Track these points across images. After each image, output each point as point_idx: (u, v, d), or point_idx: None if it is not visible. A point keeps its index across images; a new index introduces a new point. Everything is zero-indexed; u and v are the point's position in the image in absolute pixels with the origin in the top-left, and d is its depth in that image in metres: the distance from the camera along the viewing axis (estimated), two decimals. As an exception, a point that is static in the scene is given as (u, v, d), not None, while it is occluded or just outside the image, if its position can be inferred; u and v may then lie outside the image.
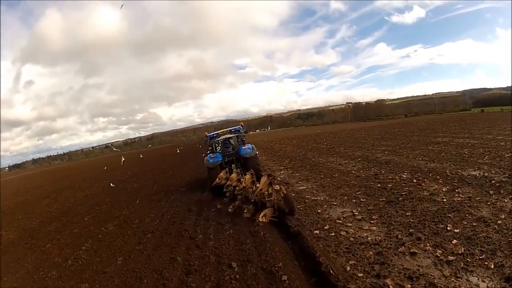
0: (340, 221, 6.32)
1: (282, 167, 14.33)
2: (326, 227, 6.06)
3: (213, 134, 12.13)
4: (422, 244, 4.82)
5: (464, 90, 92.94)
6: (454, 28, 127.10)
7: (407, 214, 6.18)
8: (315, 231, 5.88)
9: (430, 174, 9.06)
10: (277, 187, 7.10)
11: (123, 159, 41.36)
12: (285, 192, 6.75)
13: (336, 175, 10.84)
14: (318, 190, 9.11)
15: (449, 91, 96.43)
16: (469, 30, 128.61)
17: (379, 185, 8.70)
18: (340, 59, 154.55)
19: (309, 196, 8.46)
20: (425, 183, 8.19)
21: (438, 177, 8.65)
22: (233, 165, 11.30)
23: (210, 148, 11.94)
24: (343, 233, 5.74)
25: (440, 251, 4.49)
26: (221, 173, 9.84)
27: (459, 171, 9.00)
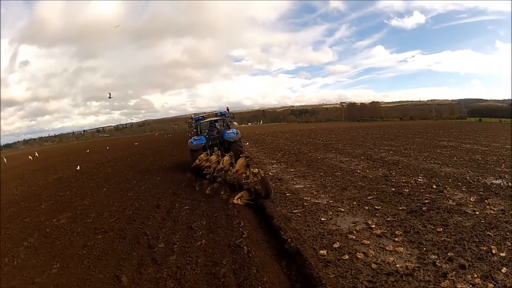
0: (354, 237, 4.71)
1: (275, 161, 12.60)
2: (335, 245, 4.42)
3: (199, 117, 12.01)
4: (469, 276, 3.47)
5: (460, 99, 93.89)
6: (454, 37, 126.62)
7: (438, 229, 4.72)
8: (321, 251, 4.23)
9: (450, 180, 7.65)
10: (255, 170, 7.13)
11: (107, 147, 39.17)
12: (263, 175, 6.72)
13: (339, 173, 9.26)
14: (319, 190, 7.48)
15: (444, 98, 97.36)
16: (470, 40, 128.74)
17: (393, 189, 7.16)
18: (337, 58, 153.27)
19: (308, 198, 6.82)
20: (447, 190, 6.75)
21: (460, 184, 7.28)
22: (215, 148, 11.15)
23: (195, 130, 11.89)
24: (360, 255, 4.13)
25: (491, 285, 3.30)
26: (202, 155, 9.75)
27: (480, 178, 7.70)
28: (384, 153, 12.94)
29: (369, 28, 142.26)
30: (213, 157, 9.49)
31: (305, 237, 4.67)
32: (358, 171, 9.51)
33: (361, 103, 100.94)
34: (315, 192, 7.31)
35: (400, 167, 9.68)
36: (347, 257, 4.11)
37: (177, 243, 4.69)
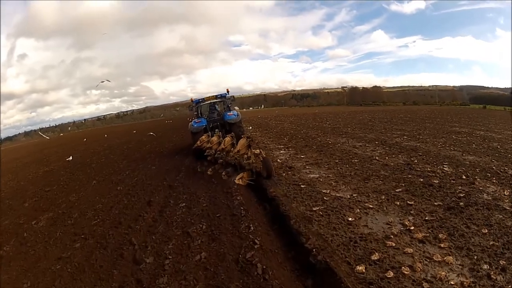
0: (393, 243, 3.70)
1: (282, 146, 11.40)
2: (374, 257, 3.41)
3: (199, 99, 11.90)
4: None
5: (461, 85, 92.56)
6: (455, 24, 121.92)
7: (483, 231, 3.93)
8: (358, 267, 3.22)
9: (477, 170, 6.71)
10: (257, 151, 7.41)
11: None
12: (264, 156, 7.00)
13: (355, 160, 8.21)
14: (338, 181, 6.42)
15: (445, 84, 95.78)
16: (470, 27, 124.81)
17: (421, 179, 6.14)
18: (336, 42, 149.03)
19: (327, 191, 5.77)
20: (478, 182, 5.83)
21: (489, 174, 6.35)
22: (216, 130, 10.94)
23: (195, 113, 11.80)
24: (406, 270, 3.15)
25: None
26: (203, 136, 9.63)
27: (506, 169, 6.77)
28: (398, 138, 11.88)
29: (369, 13, 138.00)
30: (214, 138, 9.37)
31: (334, 246, 3.66)
32: (376, 157, 8.45)
33: (363, 87, 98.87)
34: (333, 183, 6.26)
35: (420, 154, 8.67)
36: (391, 274, 3.13)
37: (170, 257, 3.68)
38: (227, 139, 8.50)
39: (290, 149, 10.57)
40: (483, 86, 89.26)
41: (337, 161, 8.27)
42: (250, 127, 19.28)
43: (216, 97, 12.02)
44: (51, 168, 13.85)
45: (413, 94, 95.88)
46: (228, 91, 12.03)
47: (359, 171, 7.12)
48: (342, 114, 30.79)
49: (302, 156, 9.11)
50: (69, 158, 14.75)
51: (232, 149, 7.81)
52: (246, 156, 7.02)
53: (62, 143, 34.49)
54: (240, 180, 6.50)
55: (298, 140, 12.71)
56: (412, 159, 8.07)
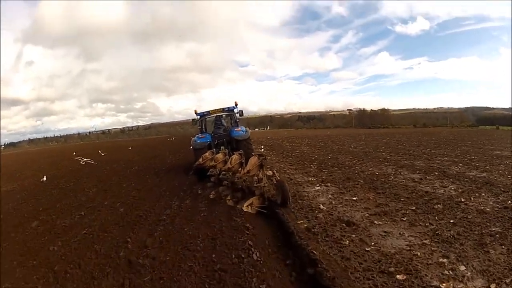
0: None
1: (314, 178, 8.29)
2: None
3: (204, 112, 10.69)
4: None
5: (466, 107, 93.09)
6: (460, 44, 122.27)
7: None
8: None
9: None
10: (269, 172, 6.67)
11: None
12: (278, 178, 6.02)
13: (438, 205, 5.32)
14: (446, 254, 3.51)
15: (450, 106, 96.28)
16: (475, 47, 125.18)
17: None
18: (342, 64, 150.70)
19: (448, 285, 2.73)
20: None
21: None
22: (222, 147, 9.88)
23: (199, 128, 10.67)
24: None
25: None
26: (207, 153, 8.46)
27: None
28: (454, 167, 9.29)
29: (375, 35, 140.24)
30: (220, 156, 8.07)
31: None
32: (460, 199, 5.69)
33: (371, 109, 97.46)
34: (444, 261, 3.33)
35: (502, 188, 6.32)
36: None
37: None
38: (235, 157, 7.28)
39: (329, 184, 7.51)
40: (488, 107, 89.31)
41: (413, 207, 5.29)
42: (262, 148, 16.29)
43: (223, 110, 10.72)
44: (12, 188, 11.14)
45: (420, 117, 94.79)
46: (236, 104, 10.58)
47: (459, 227, 4.33)
48: (360, 137, 27.86)
49: (353, 198, 6.02)
50: (43, 179, 11.91)
51: (240, 169, 6.78)
52: (257, 177, 6.12)
53: (52, 155, 32.48)
54: (249, 207, 5.50)
55: (331, 169, 9.57)
56: (500, 198, 5.68)
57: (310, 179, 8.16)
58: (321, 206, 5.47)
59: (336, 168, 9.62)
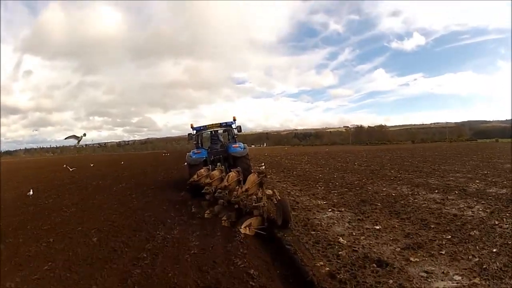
0: None
1: (323, 201, 7.23)
2: None
3: (201, 127, 10.38)
4: None
5: (463, 121, 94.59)
6: (456, 59, 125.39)
7: None
8: None
9: None
10: (269, 191, 6.50)
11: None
12: (279, 198, 5.91)
13: (474, 231, 4.55)
14: None
15: (446, 121, 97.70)
16: (471, 61, 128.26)
17: None
18: (338, 81, 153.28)
19: None
20: None
21: None
22: (218, 164, 9.71)
23: (195, 143, 10.35)
24: None
25: None
26: (202, 170, 8.14)
27: None
28: (471, 184, 8.78)
29: (371, 52, 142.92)
30: (216, 173, 7.85)
31: None
32: (493, 221, 5.01)
33: (368, 126, 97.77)
34: None
35: None
36: None
37: None
38: (232, 174, 7.06)
39: (342, 209, 6.43)
40: (484, 120, 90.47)
41: (448, 236, 4.46)
42: (263, 165, 15.30)
43: (220, 125, 10.33)
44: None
45: (416, 132, 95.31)
46: (234, 119, 10.18)
47: (503, 256, 3.70)
48: (361, 153, 27.07)
49: (376, 227, 5.01)
50: (29, 193, 10.88)
51: (238, 187, 6.62)
52: (256, 196, 5.71)
53: (42, 166, 31.32)
54: (247, 229, 5.11)
55: (340, 190, 8.65)
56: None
57: (319, 202, 7.12)
58: (341, 239, 4.46)
59: (346, 189, 8.63)
